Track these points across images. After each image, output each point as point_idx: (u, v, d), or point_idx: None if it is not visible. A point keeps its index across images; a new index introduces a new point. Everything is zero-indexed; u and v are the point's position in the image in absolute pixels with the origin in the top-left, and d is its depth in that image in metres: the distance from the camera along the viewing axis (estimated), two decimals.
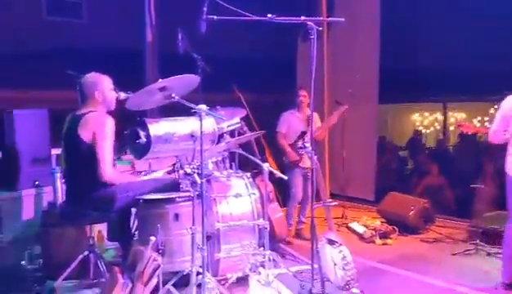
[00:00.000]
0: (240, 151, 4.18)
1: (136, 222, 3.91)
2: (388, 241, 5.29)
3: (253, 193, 4.02)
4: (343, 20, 3.23)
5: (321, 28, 3.23)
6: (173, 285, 3.51)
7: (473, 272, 4.40)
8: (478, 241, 4.97)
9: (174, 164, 3.89)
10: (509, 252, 3.89)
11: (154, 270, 3.15)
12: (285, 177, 4.14)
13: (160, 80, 3.33)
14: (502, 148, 3.99)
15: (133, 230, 3.96)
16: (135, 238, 3.89)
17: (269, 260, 3.84)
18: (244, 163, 4.52)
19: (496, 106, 4.12)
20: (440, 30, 10.28)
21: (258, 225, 3.92)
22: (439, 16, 10.45)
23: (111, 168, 3.48)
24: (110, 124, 3.49)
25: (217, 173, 4.14)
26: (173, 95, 3.36)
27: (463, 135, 10.36)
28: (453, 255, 4.85)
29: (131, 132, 3.46)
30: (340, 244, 3.62)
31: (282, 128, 5.42)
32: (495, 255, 4.74)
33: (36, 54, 9.14)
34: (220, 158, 4.30)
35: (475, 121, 12.10)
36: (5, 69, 8.73)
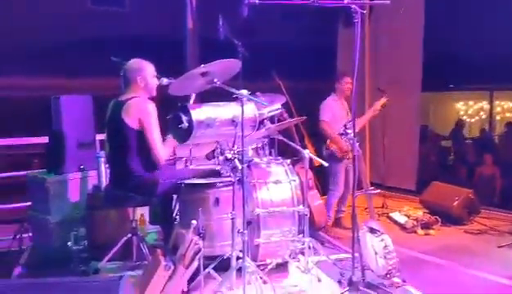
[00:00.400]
0: (281, 137, 4.16)
1: (177, 206, 3.98)
2: (431, 231, 5.17)
3: (294, 180, 3.99)
4: (388, 2, 3.14)
5: (365, 12, 3.16)
6: (213, 268, 3.56)
7: None
8: None
9: (214, 150, 3.92)
10: None
11: (196, 253, 3.22)
12: (326, 164, 4.09)
13: (202, 65, 3.35)
14: None
15: (174, 214, 4.03)
16: (176, 222, 3.96)
17: (309, 247, 3.82)
18: (283, 151, 4.51)
19: None
20: (487, 14, 9.86)
21: (298, 212, 3.91)
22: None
23: (164, 150, 3.60)
24: (152, 109, 3.57)
25: (256, 159, 4.15)
26: (215, 80, 3.37)
27: (510, 125, 10.00)
28: (499, 247, 4.70)
29: (173, 117, 3.50)
30: (382, 233, 3.56)
31: (326, 116, 5.22)
32: None
33: (80, 42, 9.38)
34: (260, 145, 4.30)
35: None
36: (50, 58, 9.02)
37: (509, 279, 3.91)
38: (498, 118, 12.26)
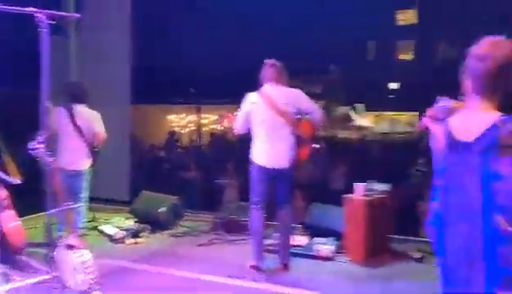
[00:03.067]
0: None
1: None
2: (139, 240, 5.36)
3: None
4: (78, 16, 3.11)
5: (53, 22, 3.06)
6: None
7: (216, 260, 4.78)
8: (220, 231, 5.45)
9: None
10: (254, 231, 4.37)
11: None
12: (19, 181, 3.76)
13: None
14: (245, 145, 4.47)
15: None
16: None
17: None
18: None
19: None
20: (194, 32, 10.81)
21: None
22: (194, 19, 10.97)
23: None
24: None
25: None
26: None
27: (213, 135, 11.26)
28: (199, 246, 5.20)
29: None
30: (80, 248, 3.49)
31: None
32: (234, 242, 5.28)
33: None
34: None
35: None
36: None
37: (205, 274, 4.34)
38: (205, 129, 13.57)
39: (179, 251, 5.08)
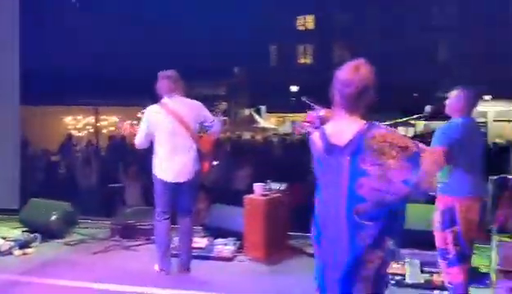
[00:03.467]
0: None
1: None
2: (29, 250, 5.00)
3: None
4: None
5: None
6: None
7: (114, 266, 4.60)
8: (117, 237, 5.26)
9: None
10: (160, 242, 4.25)
11: None
12: None
13: None
14: (147, 150, 4.34)
15: None
16: None
17: None
18: None
19: (143, 111, 4.41)
20: (90, 32, 10.39)
21: None
22: (91, 18, 10.55)
23: None
24: None
25: None
26: None
27: (112, 138, 10.88)
28: (95, 253, 4.96)
29: None
30: None
31: None
32: (132, 248, 5.12)
33: None
34: None
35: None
36: None
37: (102, 282, 4.14)
38: (104, 131, 13.02)
39: (74, 260, 4.82)
